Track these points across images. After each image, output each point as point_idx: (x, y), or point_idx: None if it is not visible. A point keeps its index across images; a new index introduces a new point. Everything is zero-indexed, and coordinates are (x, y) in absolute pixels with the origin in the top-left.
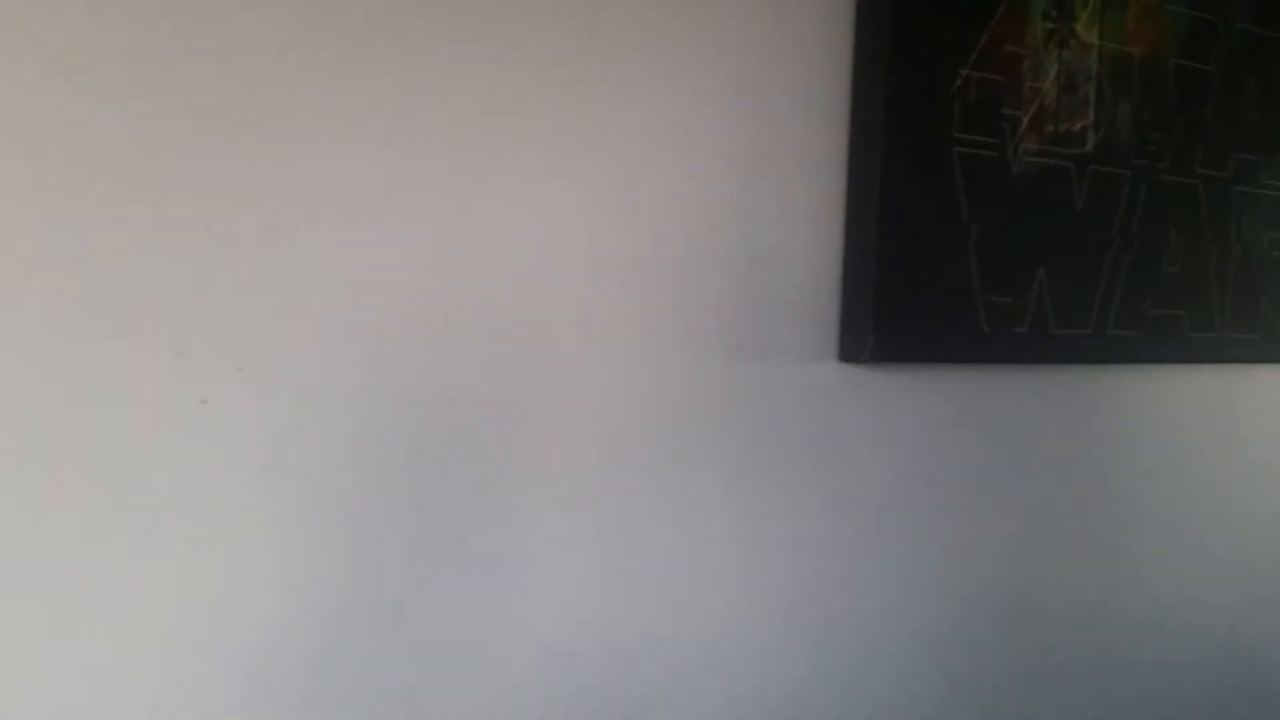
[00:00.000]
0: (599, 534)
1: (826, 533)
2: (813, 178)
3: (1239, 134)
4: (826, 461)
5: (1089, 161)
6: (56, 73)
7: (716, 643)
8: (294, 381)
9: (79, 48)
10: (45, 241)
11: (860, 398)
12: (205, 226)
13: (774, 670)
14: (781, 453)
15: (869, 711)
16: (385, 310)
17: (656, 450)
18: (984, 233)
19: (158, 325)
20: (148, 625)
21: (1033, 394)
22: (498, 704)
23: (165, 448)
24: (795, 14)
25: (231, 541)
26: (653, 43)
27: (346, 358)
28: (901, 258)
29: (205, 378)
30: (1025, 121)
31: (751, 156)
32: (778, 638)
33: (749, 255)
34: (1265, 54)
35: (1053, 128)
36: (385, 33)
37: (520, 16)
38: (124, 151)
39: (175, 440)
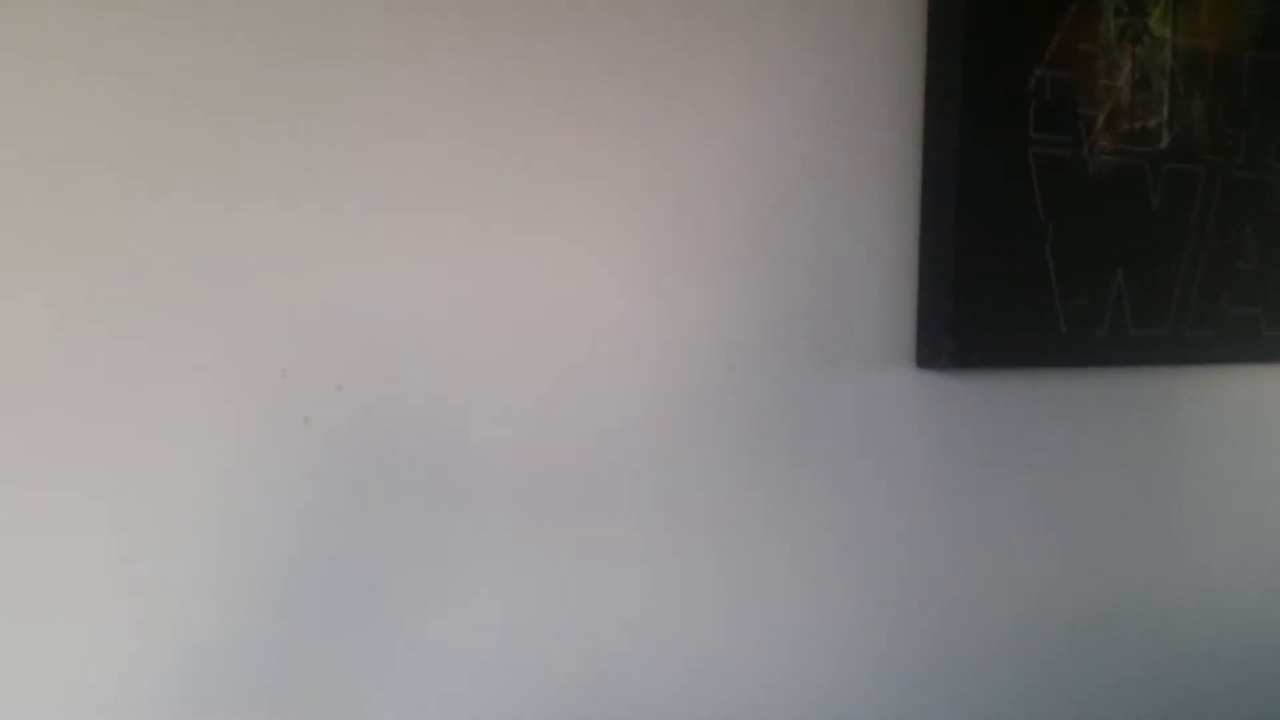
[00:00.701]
0: (672, 547)
1: (902, 541)
2: (888, 182)
3: None
4: (903, 470)
5: (1164, 159)
6: (153, 85)
7: (789, 658)
8: (390, 400)
9: (168, 58)
10: (154, 258)
11: (938, 404)
12: (307, 248)
13: (848, 676)
14: (856, 462)
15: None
16: (471, 326)
17: (727, 462)
18: (1061, 234)
19: (264, 344)
20: (243, 637)
21: (1111, 396)
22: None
23: (273, 464)
24: (869, 19)
25: (336, 557)
26: (726, 47)
27: (439, 375)
28: (979, 261)
29: (307, 396)
30: (1100, 120)
31: (826, 161)
32: (849, 649)
33: (823, 261)
34: None
35: (1127, 125)
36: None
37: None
38: (230, 169)
39: (282, 457)
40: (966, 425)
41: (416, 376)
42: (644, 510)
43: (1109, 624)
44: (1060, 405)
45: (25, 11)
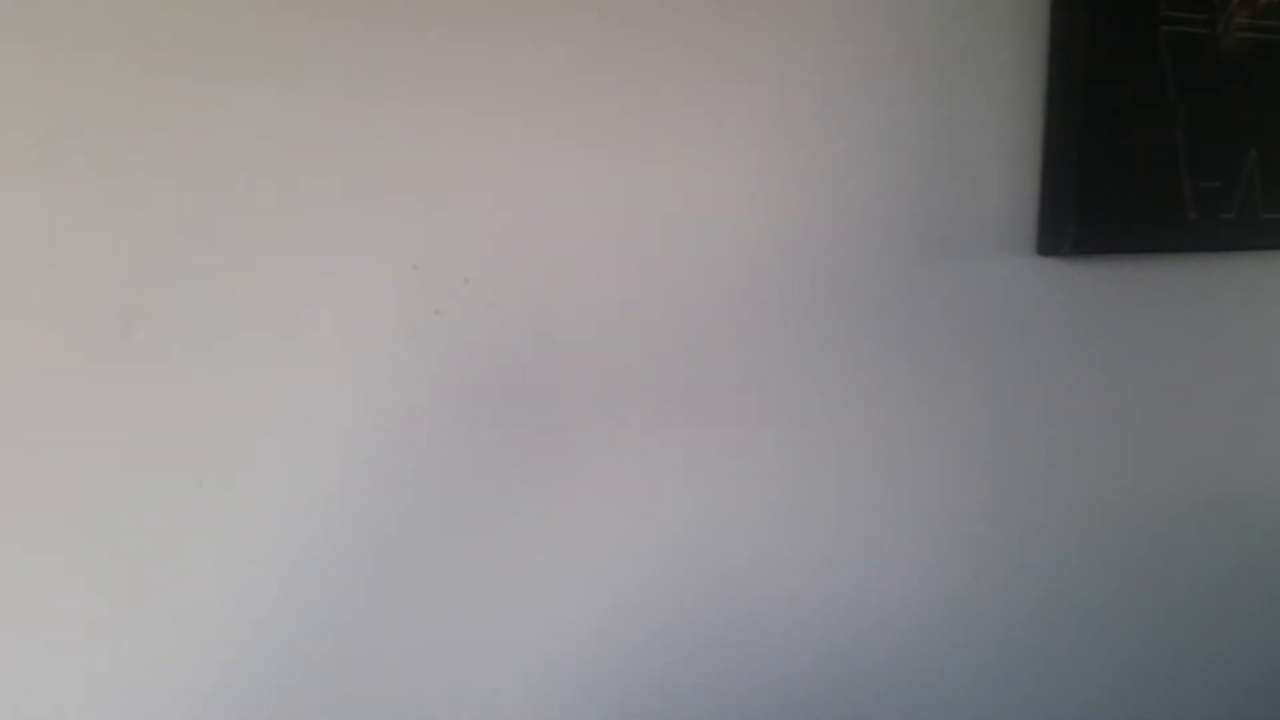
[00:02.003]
0: (800, 446)
1: (1026, 433)
2: (1010, 61)
3: None
4: (1025, 360)
5: None
6: None
7: (901, 550)
8: (515, 293)
9: None
10: (297, 159)
11: (1060, 292)
12: (436, 146)
13: (977, 575)
14: (977, 353)
15: (1084, 609)
16: (592, 222)
17: (846, 355)
18: (1192, 115)
19: (395, 240)
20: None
21: (1239, 282)
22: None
23: (407, 353)
24: None
25: (464, 446)
26: None
27: (562, 270)
28: (1105, 143)
29: (437, 289)
30: None
31: (945, 42)
32: (974, 543)
33: (941, 145)
34: None
35: (1265, 0)
36: None
37: None
38: (365, 71)
39: (415, 347)
40: (1089, 313)
41: (540, 271)
42: (764, 404)
43: (1227, 513)
44: (1186, 292)
45: None
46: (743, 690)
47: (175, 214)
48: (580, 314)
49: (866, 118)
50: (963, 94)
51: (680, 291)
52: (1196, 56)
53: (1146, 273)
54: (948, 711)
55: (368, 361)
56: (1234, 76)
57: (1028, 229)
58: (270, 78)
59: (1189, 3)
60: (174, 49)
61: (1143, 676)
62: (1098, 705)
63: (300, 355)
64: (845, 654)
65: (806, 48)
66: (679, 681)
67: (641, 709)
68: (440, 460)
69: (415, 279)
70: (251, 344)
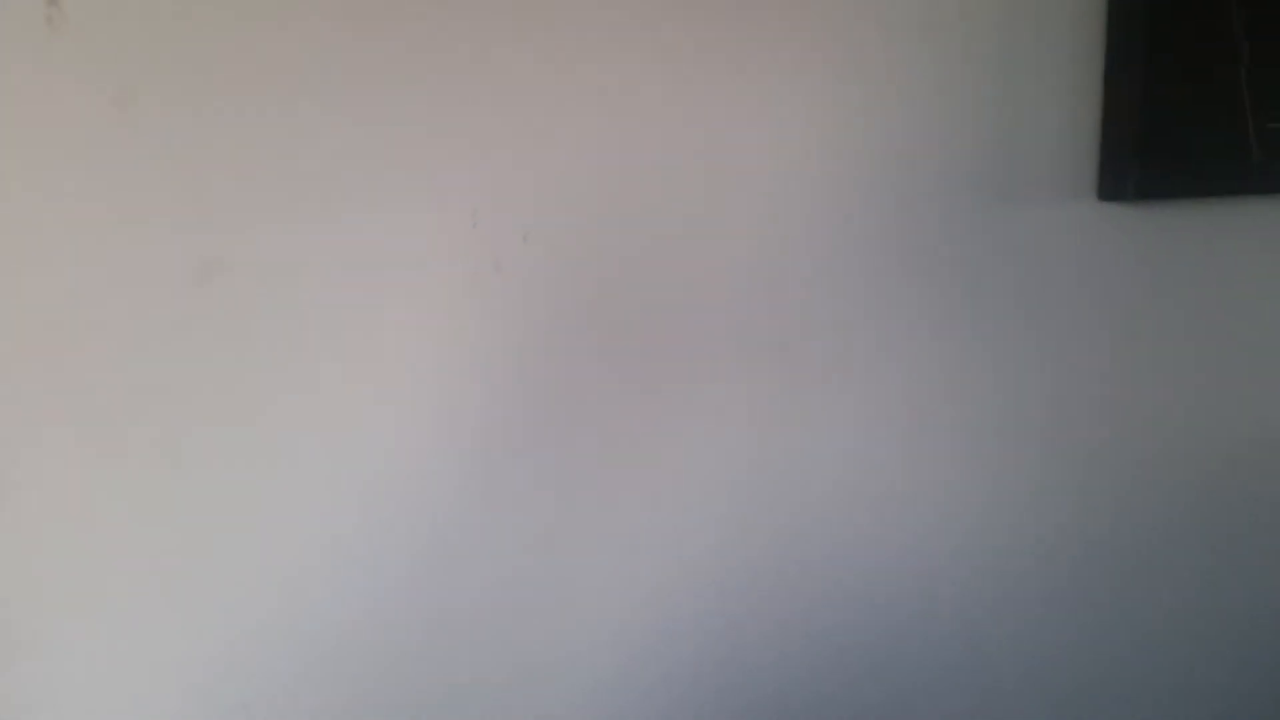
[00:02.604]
0: (842, 381)
1: (1088, 380)
2: (1071, 2)
3: None
4: (1087, 306)
5: None
6: None
7: (976, 491)
8: (576, 247)
9: None
10: (356, 113)
11: (1121, 237)
12: (494, 100)
13: (1038, 517)
14: (1037, 301)
15: (1144, 550)
16: (652, 173)
17: (907, 303)
18: (1257, 54)
19: (454, 193)
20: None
21: None
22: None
23: (469, 307)
24: None
25: (526, 400)
26: None
27: (621, 225)
28: (1168, 84)
29: (497, 243)
30: None
31: None
32: (1035, 488)
33: (1000, 88)
34: None
35: None
36: None
37: None
38: (422, 16)
39: (468, 302)
40: (1152, 258)
41: (600, 224)
42: (826, 353)
43: None
44: (1250, 235)
45: None
46: (810, 634)
47: (246, 167)
48: (641, 268)
49: (923, 61)
50: (1021, 34)
51: (741, 243)
52: None
53: (1210, 216)
54: (1013, 643)
55: (432, 315)
56: None
57: (1089, 174)
58: (342, 25)
59: None
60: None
61: (1202, 612)
62: (1155, 636)
63: (366, 310)
64: (913, 596)
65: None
66: (750, 625)
67: (711, 656)
68: (501, 420)
69: (474, 233)
70: (318, 297)
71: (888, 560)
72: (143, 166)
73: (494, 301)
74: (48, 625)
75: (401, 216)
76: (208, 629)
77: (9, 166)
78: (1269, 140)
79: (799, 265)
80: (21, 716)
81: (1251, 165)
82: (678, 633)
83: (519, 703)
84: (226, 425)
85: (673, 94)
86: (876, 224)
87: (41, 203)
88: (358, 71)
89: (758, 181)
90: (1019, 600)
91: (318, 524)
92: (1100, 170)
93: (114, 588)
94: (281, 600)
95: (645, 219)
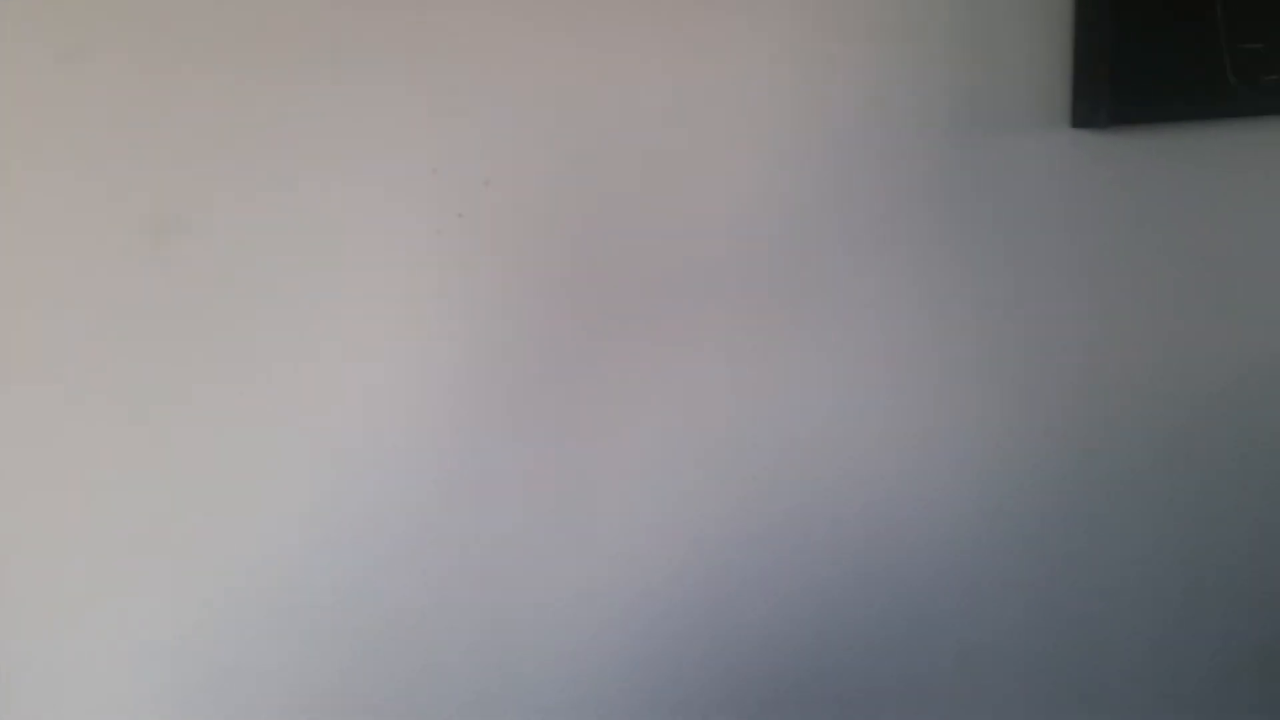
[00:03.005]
0: (818, 323)
1: (1066, 311)
2: None
3: None
4: (1064, 235)
5: None
6: None
7: (954, 430)
8: (538, 193)
9: None
10: (311, 57)
11: (1096, 165)
12: (454, 48)
13: (1017, 453)
14: (1013, 230)
15: (1124, 483)
16: (617, 116)
17: (877, 232)
18: None
19: (413, 142)
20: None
21: None
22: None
23: (426, 258)
24: None
25: (490, 342)
26: None
27: (579, 172)
28: (1138, 8)
29: (458, 192)
30: None
31: None
32: (1014, 422)
33: (968, 18)
34: None
35: None
36: None
37: None
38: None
39: (432, 252)
40: (1128, 186)
41: (562, 170)
42: (800, 290)
43: (1271, 381)
44: (1229, 159)
45: None
46: (791, 583)
47: (198, 125)
48: (607, 212)
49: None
50: None
51: (711, 182)
52: None
53: (1187, 142)
54: (999, 584)
55: (390, 266)
56: None
57: (1062, 102)
58: None
59: None
60: None
61: (1184, 554)
62: (1134, 582)
63: (328, 265)
64: (896, 541)
65: None
66: (731, 575)
67: (696, 601)
68: (471, 369)
69: (435, 182)
70: (280, 253)
71: (870, 507)
72: (93, 125)
73: (457, 250)
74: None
75: (360, 171)
76: (167, 612)
77: None
78: (1244, 63)
79: (770, 210)
80: None
81: (1227, 89)
82: (659, 584)
83: (495, 680)
84: (186, 390)
85: (635, 38)
86: (849, 164)
87: None
88: (312, 31)
89: (725, 126)
90: (1002, 541)
91: (282, 496)
92: (1073, 98)
93: (75, 571)
94: (244, 581)
95: (610, 166)
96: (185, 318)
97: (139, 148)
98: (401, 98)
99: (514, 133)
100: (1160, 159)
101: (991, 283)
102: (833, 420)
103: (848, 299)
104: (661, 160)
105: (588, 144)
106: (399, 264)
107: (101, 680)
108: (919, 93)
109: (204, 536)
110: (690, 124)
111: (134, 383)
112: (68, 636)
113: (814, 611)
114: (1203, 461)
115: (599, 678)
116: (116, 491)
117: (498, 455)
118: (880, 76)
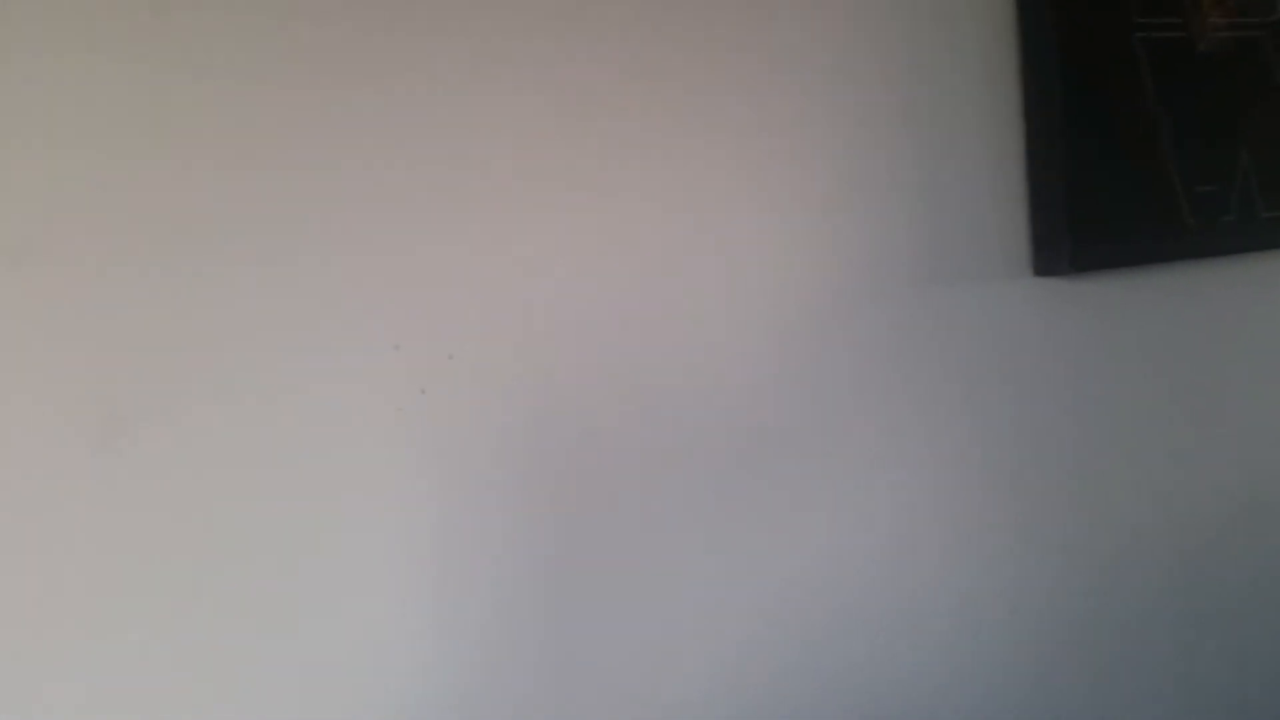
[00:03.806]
0: (791, 487)
1: (1034, 462)
2: (986, 87)
3: None
4: (1029, 386)
5: None
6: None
7: (933, 577)
8: (502, 366)
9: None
10: (264, 241)
11: (1060, 312)
12: (418, 222)
13: (980, 607)
14: (980, 381)
15: (1124, 622)
16: (583, 287)
17: (849, 390)
18: (1177, 121)
19: (375, 321)
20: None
21: (1245, 284)
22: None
23: (393, 436)
24: None
25: (473, 523)
26: None
27: (547, 343)
28: (1091, 159)
29: (421, 369)
30: None
31: (916, 71)
32: (977, 574)
33: (924, 175)
34: None
35: None
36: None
37: None
38: (333, 154)
39: (398, 430)
40: (1093, 330)
41: (527, 342)
42: (761, 455)
43: (1256, 517)
44: (1191, 299)
45: None
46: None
47: (146, 310)
48: (573, 382)
49: (851, 158)
50: (940, 121)
51: (677, 348)
52: (1174, 61)
53: (1149, 284)
54: None
55: (355, 446)
56: (1216, 77)
57: (1023, 251)
58: (238, 153)
59: (1161, 7)
60: (148, 136)
61: (1188, 686)
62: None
63: (290, 452)
64: (891, 671)
65: (788, 87)
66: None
67: None
68: (448, 548)
69: (398, 358)
70: (242, 438)
71: (872, 658)
72: (38, 326)
73: (420, 426)
74: None
75: (322, 355)
76: None
77: None
78: (1200, 205)
79: (739, 375)
80: None
81: (1186, 230)
82: None
83: None
84: (154, 582)
85: (596, 206)
86: (816, 323)
87: None
88: (267, 194)
89: (689, 292)
90: (998, 675)
91: (260, 690)
92: (1034, 247)
93: None
94: None
95: (573, 330)
96: (141, 516)
97: (86, 346)
98: (365, 271)
99: (481, 306)
100: (1122, 302)
101: (962, 427)
102: (818, 566)
103: (821, 457)
104: (629, 327)
105: (556, 313)
106: (362, 445)
107: None
108: (884, 251)
109: None
110: (655, 292)
111: (84, 615)
112: None
113: None
114: (1201, 595)
115: None
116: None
117: (482, 646)
118: (844, 242)
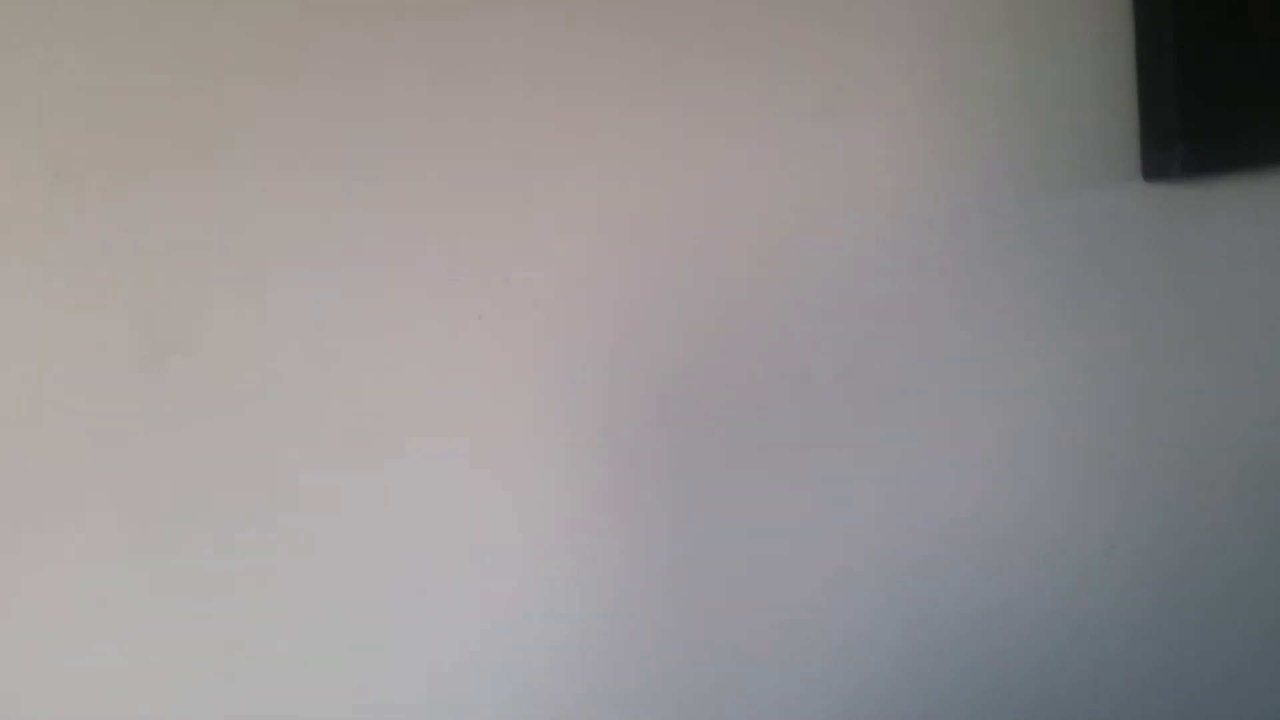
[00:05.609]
0: (900, 407)
1: (1140, 378)
2: None
3: None
4: (1140, 299)
5: None
6: None
7: (1038, 499)
8: (559, 292)
9: None
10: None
11: (1170, 220)
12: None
13: (1094, 518)
14: (1086, 291)
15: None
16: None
17: (954, 297)
18: None
19: (435, 241)
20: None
21: None
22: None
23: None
24: None
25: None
26: None
27: (608, 272)
28: (1204, 55)
29: (478, 292)
30: None
31: None
32: (1086, 487)
33: (1027, 73)
34: None
35: None
36: None
37: None
38: (407, 85)
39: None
40: (1204, 240)
41: (583, 270)
42: (881, 371)
43: None
44: None
45: None
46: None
47: (202, 231)
48: (632, 314)
49: (962, 65)
50: (1043, 15)
51: (760, 256)
52: None
53: (1262, 191)
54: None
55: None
56: None
57: (1132, 154)
58: (289, 73)
59: None
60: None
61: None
62: (1232, 652)
63: (343, 370)
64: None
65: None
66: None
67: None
68: (524, 486)
69: (453, 281)
70: (292, 364)
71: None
72: (88, 242)
73: (477, 350)
74: None
75: (375, 271)
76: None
77: None
78: None
79: (842, 281)
80: None
81: None
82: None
83: None
84: (196, 520)
85: (668, 131)
86: (923, 230)
87: None
88: (317, 115)
89: (771, 198)
90: (1088, 617)
91: (300, 610)
92: (1143, 149)
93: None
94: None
95: (634, 260)
96: (192, 440)
97: (133, 263)
98: (420, 195)
99: (537, 229)
100: (1236, 210)
101: (1065, 339)
102: (923, 486)
103: (936, 371)
104: (712, 251)
105: (610, 241)
106: (419, 366)
107: None
108: (987, 156)
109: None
110: (735, 202)
111: (135, 518)
112: None
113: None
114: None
115: None
116: (105, 642)
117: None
118: (956, 148)
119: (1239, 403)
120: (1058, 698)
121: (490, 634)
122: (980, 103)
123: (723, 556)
